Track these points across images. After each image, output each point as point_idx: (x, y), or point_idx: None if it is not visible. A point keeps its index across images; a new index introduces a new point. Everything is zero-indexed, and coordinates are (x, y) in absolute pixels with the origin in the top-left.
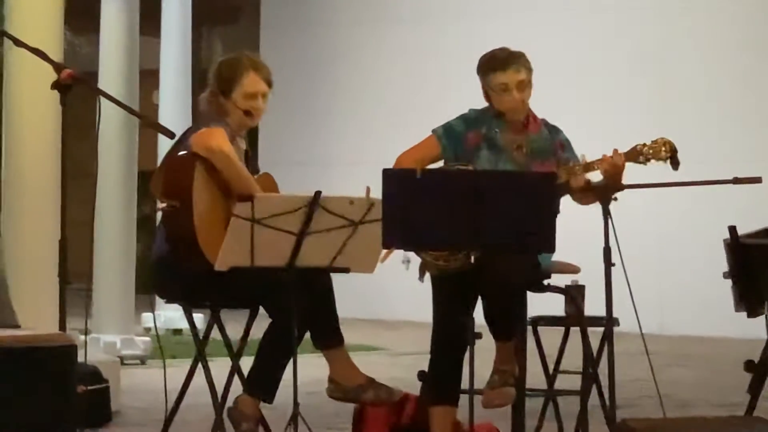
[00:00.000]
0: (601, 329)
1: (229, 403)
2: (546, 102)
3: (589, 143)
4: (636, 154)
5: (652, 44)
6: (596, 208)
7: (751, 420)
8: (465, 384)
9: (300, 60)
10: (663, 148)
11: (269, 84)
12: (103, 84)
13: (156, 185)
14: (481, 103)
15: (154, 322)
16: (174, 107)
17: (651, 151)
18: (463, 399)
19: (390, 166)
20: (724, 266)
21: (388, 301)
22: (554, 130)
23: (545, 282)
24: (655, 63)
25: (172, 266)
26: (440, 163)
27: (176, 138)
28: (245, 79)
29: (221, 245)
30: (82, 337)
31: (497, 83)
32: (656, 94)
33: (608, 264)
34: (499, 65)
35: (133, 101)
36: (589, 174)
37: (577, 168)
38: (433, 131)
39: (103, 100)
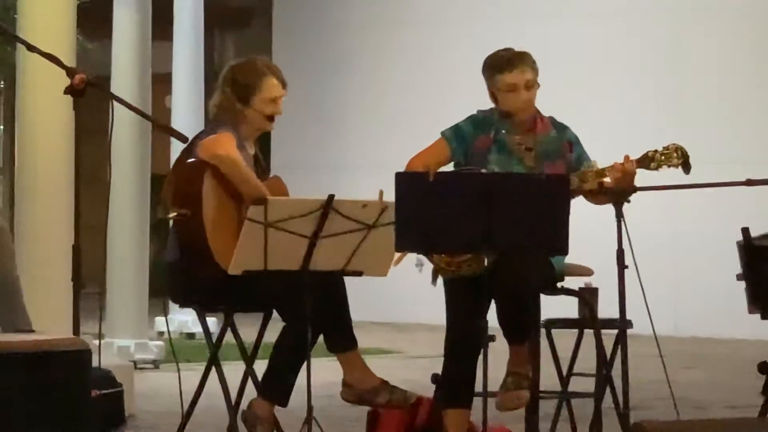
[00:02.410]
0: (615, 331)
1: (244, 406)
2: (559, 103)
3: (603, 145)
4: (648, 161)
5: (664, 46)
6: (609, 210)
7: (765, 422)
8: (479, 387)
9: (312, 63)
10: (675, 154)
11: (285, 86)
12: (115, 88)
13: (166, 195)
14: (491, 105)
15: (167, 326)
16: (187, 111)
17: (663, 157)
18: (477, 402)
19: (402, 169)
20: (738, 268)
21: (402, 305)
22: (562, 129)
23: (559, 285)
24: (667, 65)
25: (186, 272)
26: (450, 167)
27: (188, 142)
28: (266, 84)
29: (234, 251)
30: (96, 341)
31: (505, 84)
32: (669, 95)
33: (621, 266)
34: (506, 66)
35: (145, 105)
36: (601, 178)
37: (589, 174)
38: (442, 134)
39: (116, 104)
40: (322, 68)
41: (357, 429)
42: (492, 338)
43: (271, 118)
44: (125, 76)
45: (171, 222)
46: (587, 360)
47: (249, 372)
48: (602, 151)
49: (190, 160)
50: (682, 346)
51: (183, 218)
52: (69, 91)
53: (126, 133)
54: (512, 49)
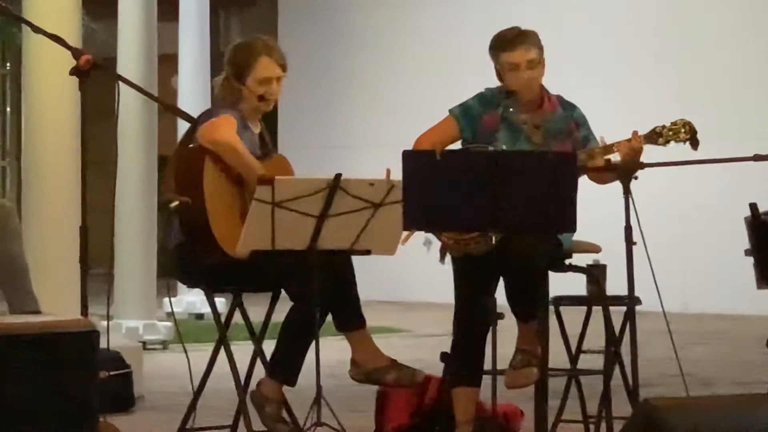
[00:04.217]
0: (624, 308)
1: (252, 386)
2: (570, 84)
3: (614, 124)
4: (655, 136)
5: (675, 24)
6: (617, 187)
7: None
8: (488, 365)
9: (318, 42)
10: (683, 130)
11: (284, 68)
12: (121, 69)
13: (168, 179)
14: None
15: (171, 307)
16: (193, 91)
17: (671, 133)
18: (486, 380)
19: (410, 147)
20: (746, 244)
21: (410, 283)
22: (570, 108)
23: (567, 262)
24: (678, 41)
25: (191, 255)
26: (458, 144)
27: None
28: (259, 63)
29: (238, 236)
30: (104, 322)
31: (507, 63)
32: (679, 70)
33: (629, 243)
34: (508, 45)
35: (151, 86)
36: (609, 154)
37: (597, 151)
38: (450, 111)
39: (122, 85)
40: (328, 47)
41: (366, 408)
42: (500, 316)
43: (261, 99)
44: (131, 57)
45: (174, 208)
46: (596, 337)
47: (257, 352)
48: (614, 130)
49: (190, 146)
50: (691, 323)
51: (185, 205)
52: (75, 72)
53: (132, 114)
54: (518, 27)
